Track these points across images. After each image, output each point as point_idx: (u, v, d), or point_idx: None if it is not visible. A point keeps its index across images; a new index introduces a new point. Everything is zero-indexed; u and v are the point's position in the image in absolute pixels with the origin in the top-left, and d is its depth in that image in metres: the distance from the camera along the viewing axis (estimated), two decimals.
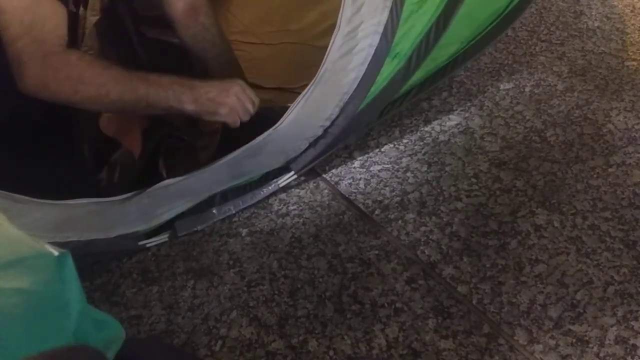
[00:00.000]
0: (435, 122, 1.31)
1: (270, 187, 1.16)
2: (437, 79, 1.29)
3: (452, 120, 1.32)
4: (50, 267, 0.43)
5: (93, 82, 0.95)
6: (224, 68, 1.17)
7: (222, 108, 1.01)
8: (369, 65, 1.01)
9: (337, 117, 1.09)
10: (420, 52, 1.08)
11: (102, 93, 0.95)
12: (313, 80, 1.03)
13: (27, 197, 0.93)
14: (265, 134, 1.06)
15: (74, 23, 1.07)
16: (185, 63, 1.38)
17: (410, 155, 1.25)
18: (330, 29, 0.99)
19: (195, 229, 1.12)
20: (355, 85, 1.04)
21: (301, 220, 1.13)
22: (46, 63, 0.92)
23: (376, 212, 1.13)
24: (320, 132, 1.11)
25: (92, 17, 1.17)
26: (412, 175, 1.20)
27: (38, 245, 0.45)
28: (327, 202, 1.16)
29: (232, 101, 1.02)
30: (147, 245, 1.08)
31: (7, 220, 0.46)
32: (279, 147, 1.10)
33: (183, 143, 1.19)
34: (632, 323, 0.91)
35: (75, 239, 0.99)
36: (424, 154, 1.24)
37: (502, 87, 1.39)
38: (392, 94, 1.16)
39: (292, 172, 1.16)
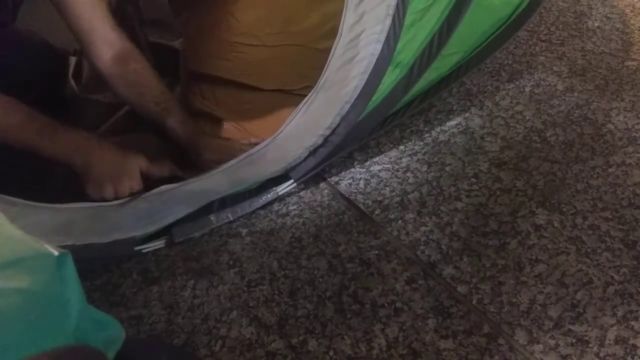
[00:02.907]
0: (435, 122, 1.32)
1: (269, 195, 1.15)
2: (441, 89, 1.28)
3: (452, 120, 1.32)
4: (50, 267, 0.43)
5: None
6: (165, 107, 1.14)
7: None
8: (370, 73, 1.00)
9: (338, 125, 1.08)
10: (423, 61, 1.08)
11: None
12: (314, 89, 1.02)
13: (23, 201, 0.92)
14: (265, 142, 1.06)
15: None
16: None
17: (410, 155, 1.25)
18: (332, 32, 0.98)
19: (192, 235, 1.11)
20: (356, 94, 1.03)
21: (301, 220, 1.13)
22: None
23: (376, 212, 1.13)
24: (320, 140, 1.10)
25: None
26: (412, 175, 1.20)
27: (38, 245, 0.45)
28: (327, 202, 1.16)
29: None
30: (144, 251, 1.08)
31: (7, 220, 0.46)
32: (279, 155, 1.10)
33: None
34: (632, 323, 0.91)
35: (71, 242, 0.98)
36: (424, 154, 1.24)
37: (502, 87, 1.39)
38: (393, 103, 1.15)
39: (292, 180, 1.16)
